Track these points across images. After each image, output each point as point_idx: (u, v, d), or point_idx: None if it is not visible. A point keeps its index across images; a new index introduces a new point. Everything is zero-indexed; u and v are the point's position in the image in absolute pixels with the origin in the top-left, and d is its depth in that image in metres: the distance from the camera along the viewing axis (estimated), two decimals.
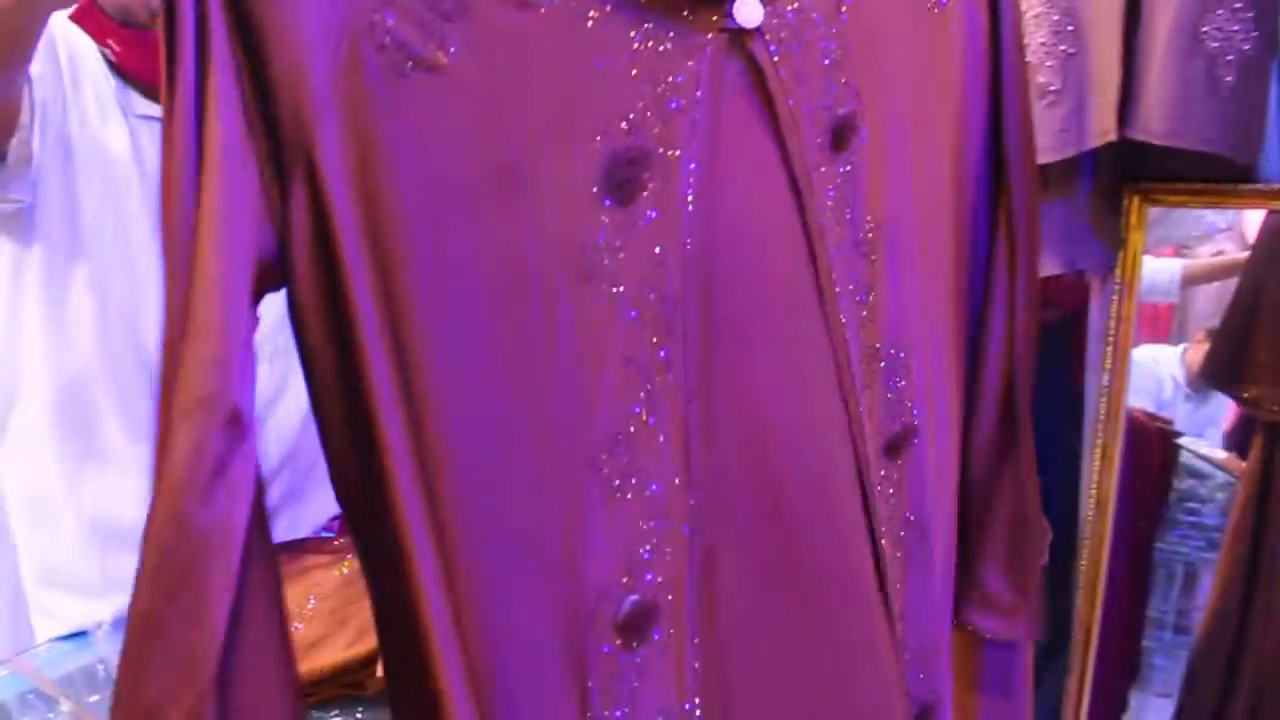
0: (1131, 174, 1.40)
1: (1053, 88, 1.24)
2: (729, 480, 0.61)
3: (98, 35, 0.92)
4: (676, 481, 0.59)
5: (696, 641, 0.61)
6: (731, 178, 0.60)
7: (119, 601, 0.90)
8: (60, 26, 0.89)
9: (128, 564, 0.92)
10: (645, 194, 0.57)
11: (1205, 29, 1.16)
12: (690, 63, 0.58)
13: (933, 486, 0.72)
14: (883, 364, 0.67)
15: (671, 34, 0.57)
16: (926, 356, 0.70)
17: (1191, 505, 1.77)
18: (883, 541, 0.66)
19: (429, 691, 0.55)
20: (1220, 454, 1.76)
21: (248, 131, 0.50)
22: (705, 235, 0.59)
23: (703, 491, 0.60)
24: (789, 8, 0.61)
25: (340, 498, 0.57)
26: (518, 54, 0.53)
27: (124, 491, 0.92)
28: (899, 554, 0.69)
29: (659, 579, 0.59)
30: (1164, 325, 1.87)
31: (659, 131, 0.57)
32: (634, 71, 0.56)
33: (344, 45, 0.50)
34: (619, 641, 0.58)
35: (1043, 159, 1.25)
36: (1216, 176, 1.32)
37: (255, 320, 0.53)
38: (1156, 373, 1.79)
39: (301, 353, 0.55)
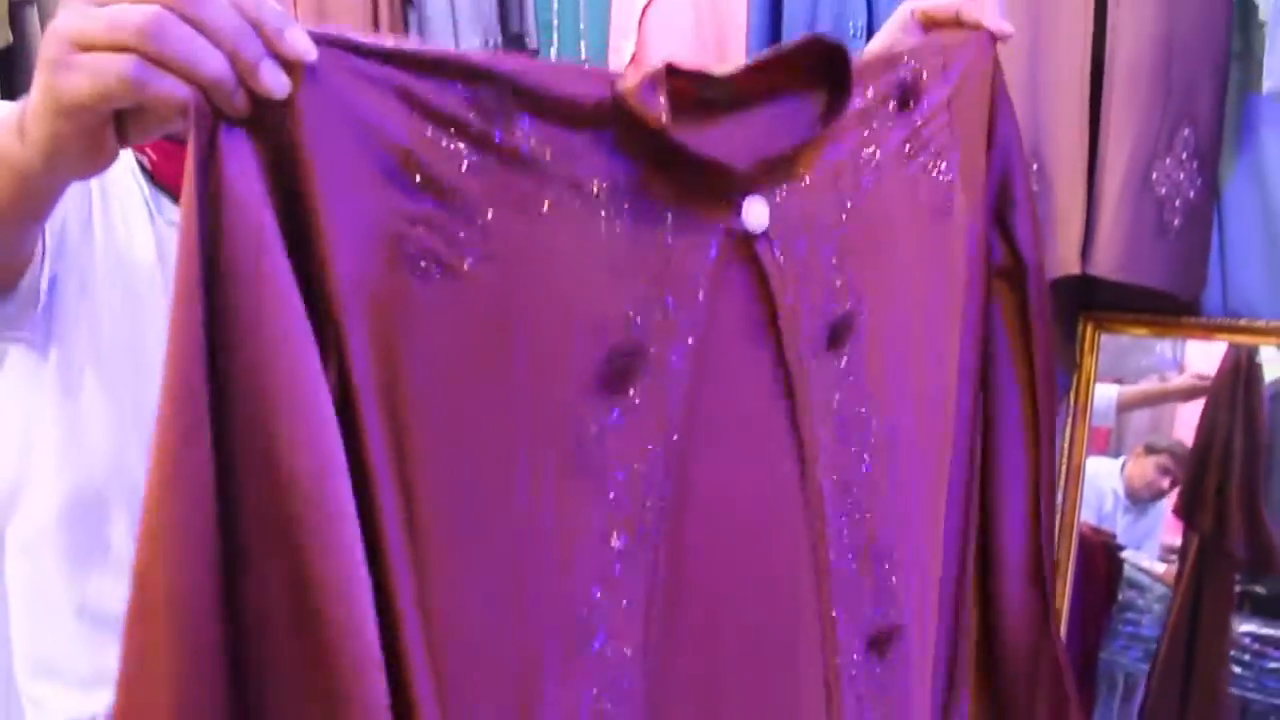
0: (1086, 302, 1.49)
1: None
2: (684, 656, 0.63)
3: (136, 145, 0.94)
4: (628, 652, 0.61)
5: None
6: (721, 375, 0.62)
7: (108, 695, 0.90)
8: None
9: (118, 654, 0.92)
10: (636, 387, 0.59)
11: (1155, 176, 1.25)
12: (693, 262, 0.61)
13: (917, 682, 0.73)
14: (873, 561, 0.68)
15: (678, 236, 0.60)
16: (918, 553, 0.72)
17: (1131, 616, 1.81)
18: None
19: None
20: (1159, 567, 1.81)
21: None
22: (690, 429, 0.61)
23: (656, 661, 0.62)
24: (794, 210, 0.64)
25: None
26: (531, 259, 0.56)
27: (124, 588, 0.93)
28: None
29: None
30: (1102, 440, 1.93)
31: (655, 329, 0.59)
32: (638, 270, 0.59)
33: (376, 250, 0.53)
34: None
35: None
36: (1163, 308, 1.42)
37: None
38: (1098, 486, 1.84)
39: None
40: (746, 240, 0.62)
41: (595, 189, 0.58)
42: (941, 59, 0.74)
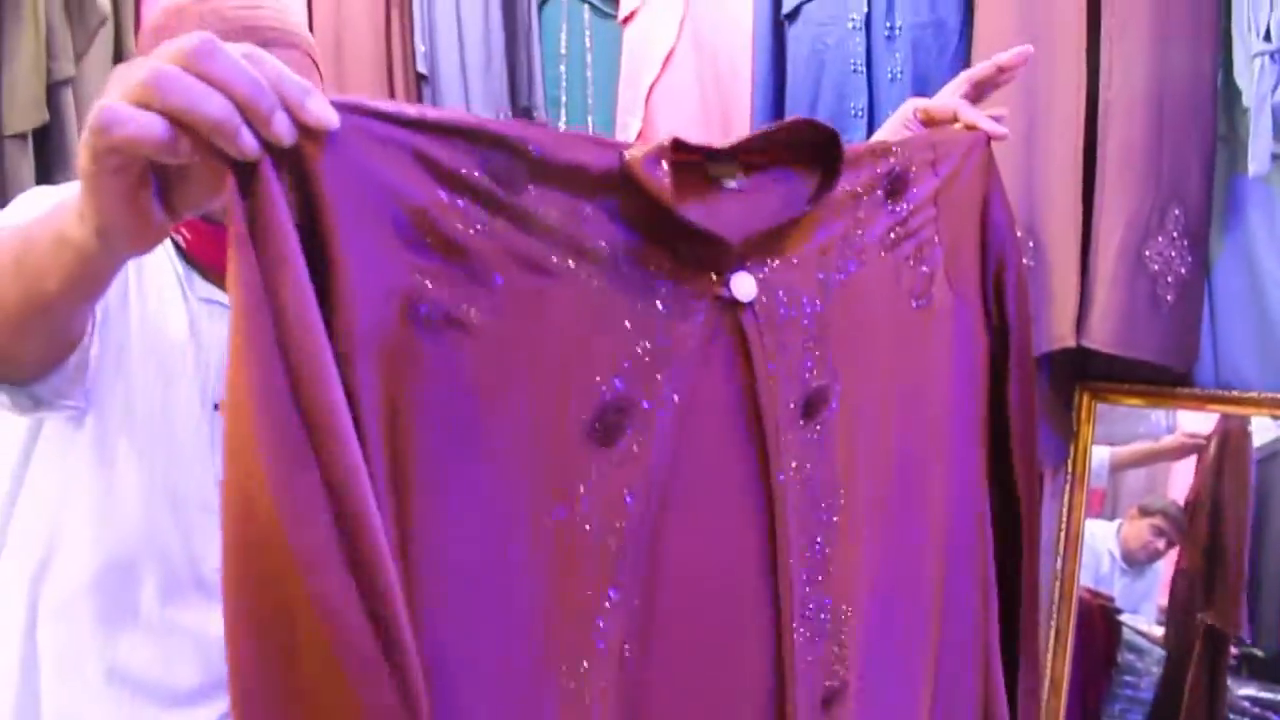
0: (1082, 373, 1.53)
1: None
2: (656, 692, 0.65)
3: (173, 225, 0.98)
4: (606, 688, 0.63)
5: None
6: (702, 433, 0.65)
7: None
8: None
9: (146, 717, 0.94)
10: (624, 439, 0.62)
11: (1148, 253, 1.30)
12: (683, 327, 0.64)
13: None
14: (827, 619, 0.71)
15: (670, 301, 0.64)
16: (876, 615, 0.75)
17: (1129, 679, 1.82)
18: None
19: None
20: (1157, 630, 1.83)
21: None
22: (669, 485, 0.64)
23: (635, 694, 0.65)
24: (780, 285, 0.68)
25: None
26: (535, 315, 0.60)
27: (152, 650, 0.95)
28: None
29: None
30: (1098, 502, 1.96)
31: (644, 386, 0.63)
32: (631, 333, 0.63)
33: (390, 301, 0.56)
34: None
35: None
36: (1157, 379, 1.46)
37: None
38: (1095, 548, 1.86)
39: None
40: (733, 310, 0.66)
41: (596, 254, 0.62)
42: (932, 155, 0.77)
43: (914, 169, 0.76)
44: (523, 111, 1.95)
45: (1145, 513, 1.86)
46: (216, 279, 0.99)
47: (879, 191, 0.74)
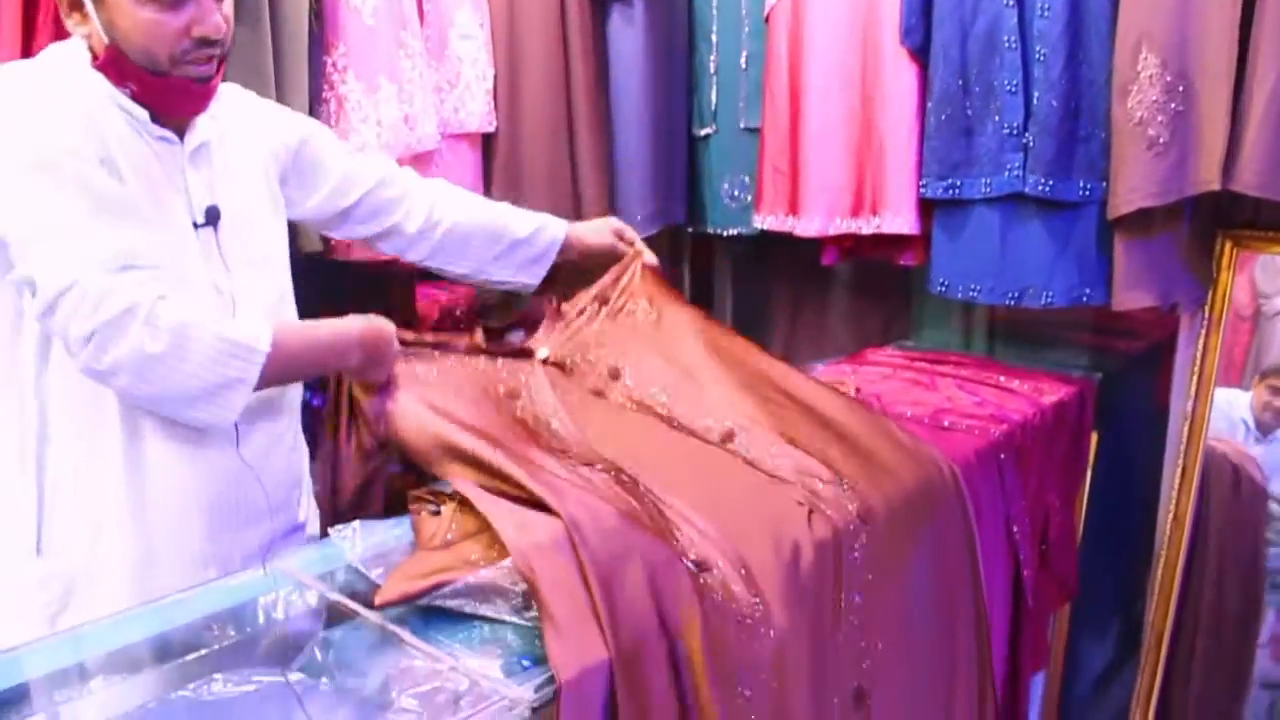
0: (1225, 220, 1.56)
1: (1162, 140, 1.39)
2: None
3: (118, 80, 1.10)
4: None
5: None
6: None
7: None
8: (82, 95, 1.08)
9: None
10: None
11: None
12: None
13: None
14: None
15: None
16: None
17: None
18: None
19: None
20: None
21: None
22: None
23: None
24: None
25: None
26: None
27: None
28: None
29: None
30: (1237, 370, 1.96)
31: None
32: None
33: None
34: None
35: (1148, 203, 1.41)
36: None
37: None
38: (1231, 416, 1.88)
39: None
40: None
41: None
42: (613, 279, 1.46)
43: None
44: None
45: (1264, 376, 1.87)
46: (165, 121, 1.13)
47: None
